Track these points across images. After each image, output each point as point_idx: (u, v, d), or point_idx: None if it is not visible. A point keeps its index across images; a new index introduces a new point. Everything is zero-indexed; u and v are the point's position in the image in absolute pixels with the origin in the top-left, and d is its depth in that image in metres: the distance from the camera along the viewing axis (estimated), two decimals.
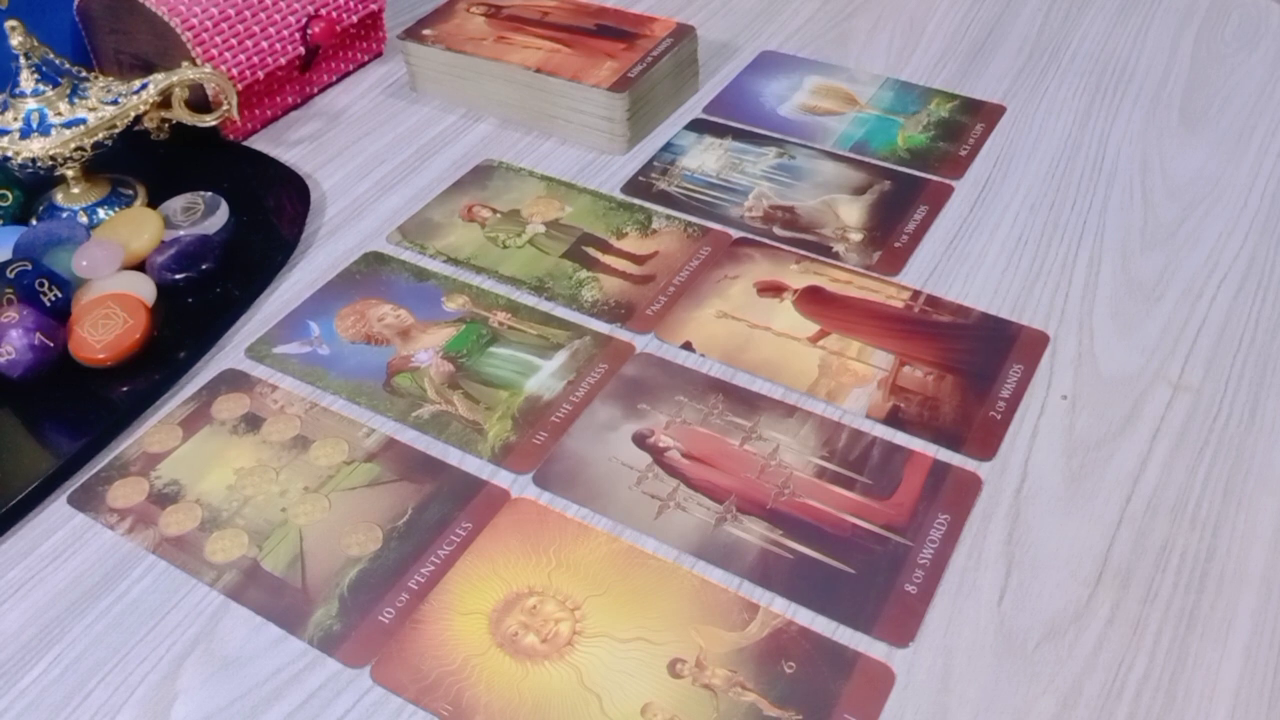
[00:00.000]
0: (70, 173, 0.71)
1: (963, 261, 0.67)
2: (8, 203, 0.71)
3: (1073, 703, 0.46)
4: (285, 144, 0.81)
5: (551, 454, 0.57)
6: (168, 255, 0.67)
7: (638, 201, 0.73)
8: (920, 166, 0.75)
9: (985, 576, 0.50)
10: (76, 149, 0.68)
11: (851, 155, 0.76)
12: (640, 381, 0.60)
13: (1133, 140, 0.76)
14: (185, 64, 0.74)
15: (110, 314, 0.62)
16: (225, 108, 0.74)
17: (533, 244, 0.70)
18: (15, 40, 0.68)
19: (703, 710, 0.46)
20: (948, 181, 0.73)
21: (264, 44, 0.79)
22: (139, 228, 0.69)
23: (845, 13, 0.93)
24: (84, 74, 0.71)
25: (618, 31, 0.82)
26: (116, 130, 0.70)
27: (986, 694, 0.46)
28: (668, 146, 0.78)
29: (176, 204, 0.72)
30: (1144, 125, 0.77)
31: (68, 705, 0.48)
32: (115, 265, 0.66)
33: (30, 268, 0.63)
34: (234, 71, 0.77)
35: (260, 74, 0.79)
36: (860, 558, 0.51)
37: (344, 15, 0.84)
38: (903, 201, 0.72)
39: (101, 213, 0.72)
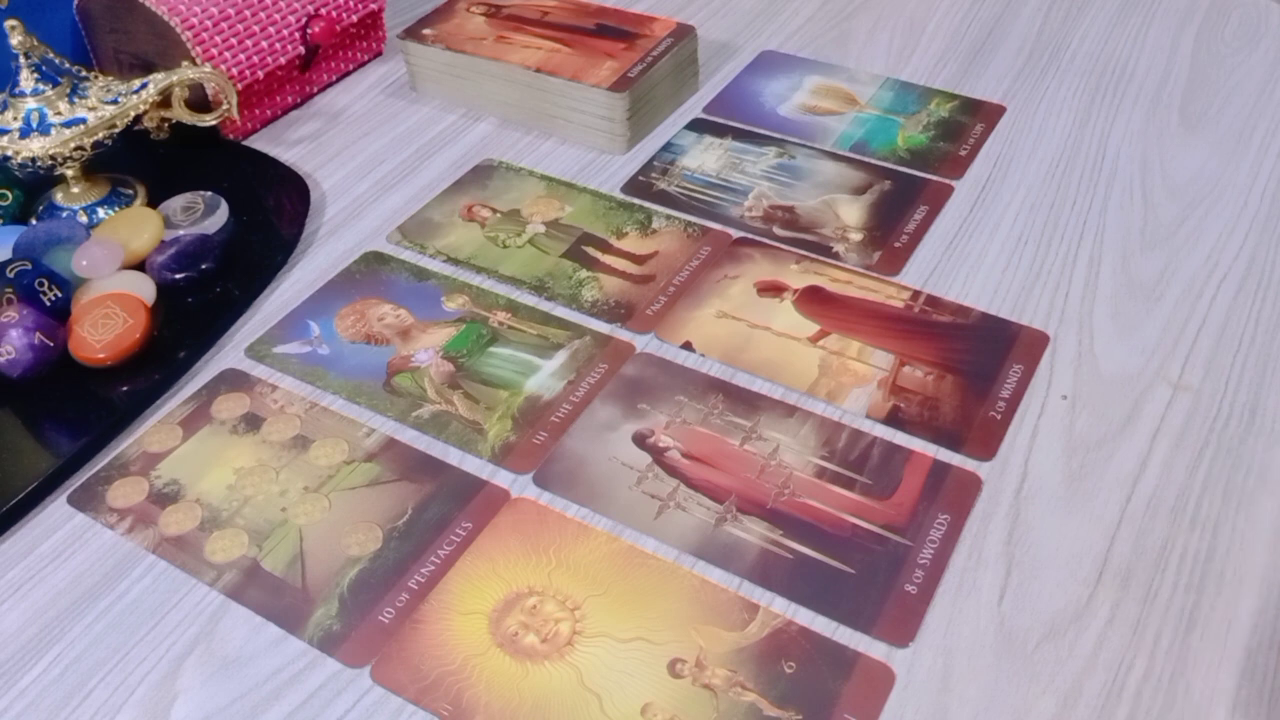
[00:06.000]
0: (70, 172, 0.71)
1: (963, 261, 0.67)
2: (8, 202, 0.71)
3: (1073, 703, 0.46)
4: (285, 144, 0.81)
5: (551, 454, 0.57)
6: (168, 255, 0.67)
7: (638, 201, 0.73)
8: (920, 166, 0.75)
9: (985, 576, 0.50)
10: (76, 148, 0.68)
11: (851, 155, 0.76)
12: (640, 381, 0.60)
13: (1133, 140, 0.76)
14: (185, 63, 0.74)
15: (110, 314, 0.62)
16: (225, 107, 0.74)
17: (533, 244, 0.70)
18: (15, 40, 0.68)
19: (703, 710, 0.46)
20: (948, 181, 0.73)
21: (264, 44, 0.79)
22: (139, 227, 0.69)
23: (845, 13, 0.93)
24: (84, 73, 0.71)
25: (618, 31, 0.82)
26: (116, 130, 0.70)
27: (986, 694, 0.46)
28: (668, 146, 0.78)
29: (176, 203, 0.72)
30: (1144, 125, 0.77)
31: (68, 705, 0.48)
32: (115, 265, 0.66)
33: (30, 267, 0.63)
34: (234, 71, 0.77)
35: (260, 74, 0.79)
36: (860, 558, 0.51)
37: (344, 15, 0.84)
38: (903, 201, 0.72)
39: (101, 212, 0.72)
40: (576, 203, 0.73)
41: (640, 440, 0.57)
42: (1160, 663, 0.47)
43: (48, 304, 0.63)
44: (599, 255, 0.69)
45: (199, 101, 0.77)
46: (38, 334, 0.60)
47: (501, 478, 0.56)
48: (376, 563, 0.52)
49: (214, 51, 0.76)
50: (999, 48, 0.87)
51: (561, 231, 0.71)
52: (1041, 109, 0.80)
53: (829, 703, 0.46)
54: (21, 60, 0.68)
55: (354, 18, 0.85)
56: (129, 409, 0.60)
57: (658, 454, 0.56)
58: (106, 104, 0.69)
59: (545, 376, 0.61)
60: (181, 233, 0.69)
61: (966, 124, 0.78)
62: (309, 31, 0.82)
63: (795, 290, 0.66)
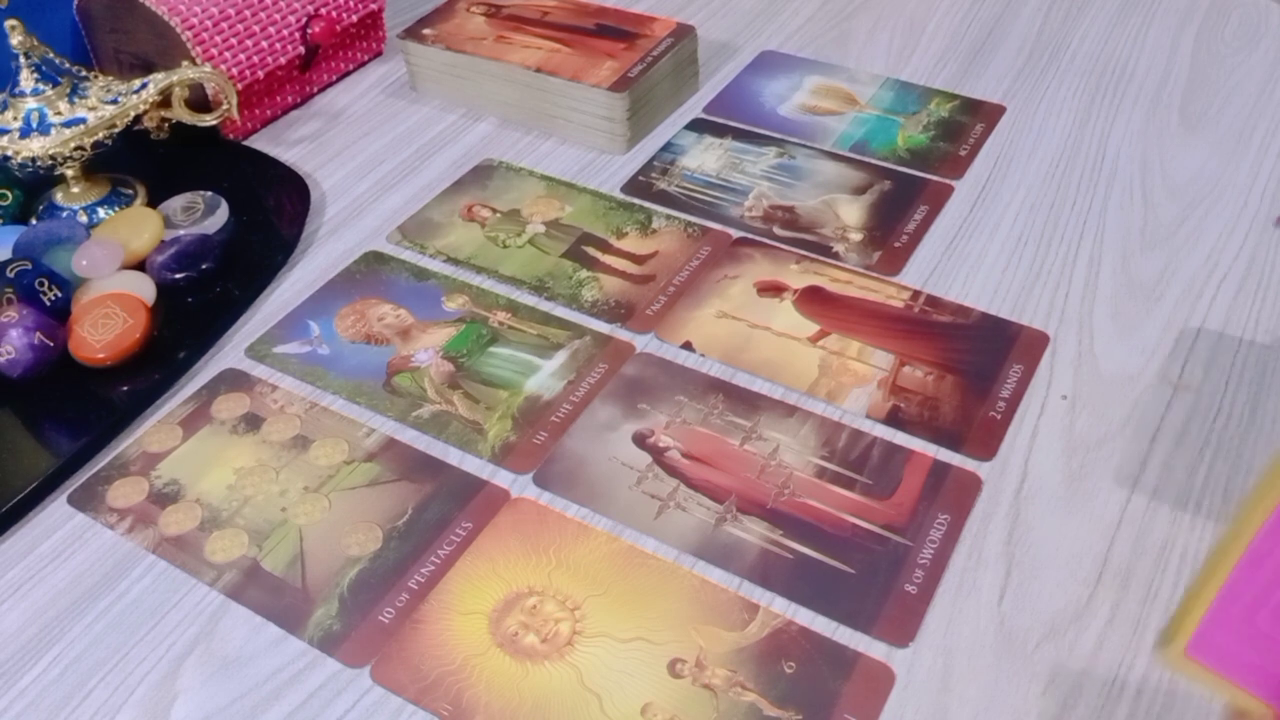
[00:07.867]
0: (70, 172, 0.71)
1: (963, 261, 0.67)
2: (8, 202, 0.71)
3: (1073, 703, 0.46)
4: (285, 144, 0.81)
5: (551, 454, 0.57)
6: (168, 255, 0.67)
7: (638, 201, 0.73)
8: (920, 166, 0.75)
9: (985, 576, 0.50)
10: (76, 148, 0.68)
11: (851, 155, 0.76)
12: (640, 381, 0.60)
13: (1133, 140, 0.76)
14: (185, 63, 0.74)
15: (110, 314, 0.62)
16: (225, 107, 0.74)
17: (533, 244, 0.70)
18: (15, 39, 0.68)
19: (703, 710, 0.46)
20: (948, 181, 0.73)
21: (264, 44, 0.79)
22: (139, 227, 0.69)
23: (845, 13, 0.93)
24: (84, 73, 0.71)
25: (618, 31, 0.82)
26: (116, 130, 0.70)
27: (986, 694, 0.46)
28: (668, 146, 0.78)
29: (176, 203, 0.72)
30: (1144, 125, 0.77)
31: (68, 705, 0.48)
32: (115, 265, 0.66)
33: (30, 267, 0.63)
34: (234, 71, 0.77)
35: (260, 74, 0.79)
36: (860, 558, 0.51)
37: (344, 15, 0.84)
38: (903, 201, 0.72)
39: (101, 212, 0.72)
40: (576, 203, 0.73)
41: (640, 440, 0.57)
42: (1160, 663, 0.47)
43: (48, 304, 0.63)
44: (599, 255, 0.69)
45: (199, 101, 0.77)
46: (38, 334, 0.60)
47: (501, 478, 0.56)
48: (376, 563, 0.52)
49: (214, 51, 0.76)
50: (999, 48, 0.87)
51: (561, 231, 0.71)
52: (1041, 109, 0.80)
53: (829, 703, 0.46)
54: (21, 60, 0.68)
55: (354, 18, 0.85)
56: (129, 409, 0.60)
57: (658, 454, 0.56)
58: (106, 104, 0.69)
59: (545, 376, 0.61)
60: (181, 233, 0.69)
61: (966, 124, 0.78)
62: (309, 31, 0.82)
63: (795, 290, 0.66)
